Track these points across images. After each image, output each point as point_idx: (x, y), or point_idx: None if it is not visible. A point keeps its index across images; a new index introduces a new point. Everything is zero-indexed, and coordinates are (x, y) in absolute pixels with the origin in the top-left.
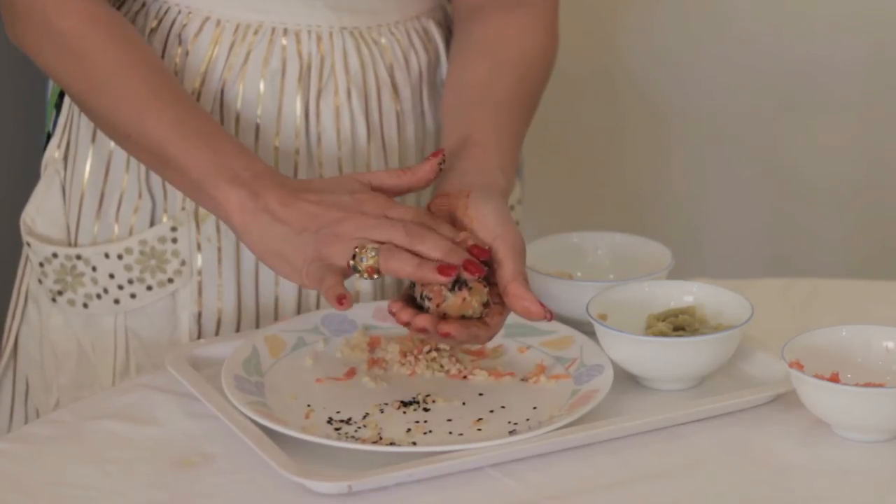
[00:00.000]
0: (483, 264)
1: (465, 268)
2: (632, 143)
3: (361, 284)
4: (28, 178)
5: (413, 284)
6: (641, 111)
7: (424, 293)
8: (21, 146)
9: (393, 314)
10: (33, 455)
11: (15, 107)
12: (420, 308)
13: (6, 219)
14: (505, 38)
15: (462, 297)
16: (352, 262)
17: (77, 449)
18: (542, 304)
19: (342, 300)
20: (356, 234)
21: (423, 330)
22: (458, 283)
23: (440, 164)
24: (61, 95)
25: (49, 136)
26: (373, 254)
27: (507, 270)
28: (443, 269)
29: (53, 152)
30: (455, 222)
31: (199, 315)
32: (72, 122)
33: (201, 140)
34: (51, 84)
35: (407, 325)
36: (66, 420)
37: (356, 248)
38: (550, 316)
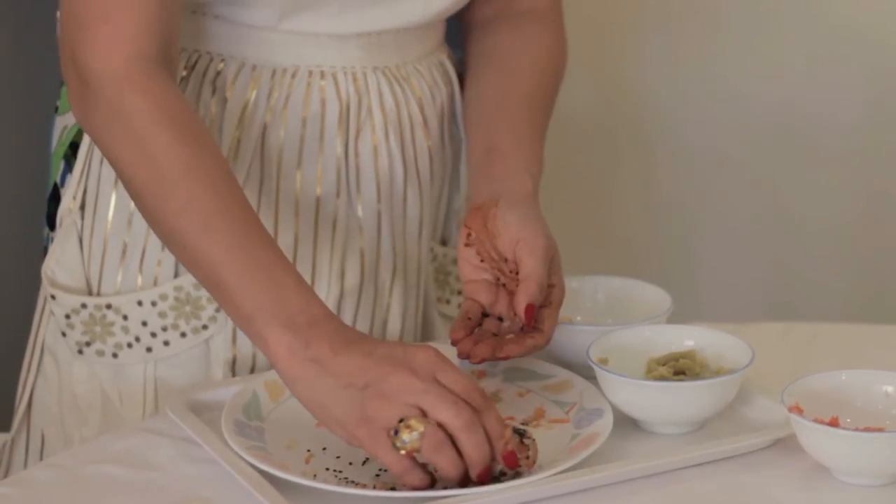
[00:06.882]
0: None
1: (504, 461)
2: (627, 189)
3: (389, 325)
4: (34, 230)
5: None
6: (637, 156)
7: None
8: (24, 200)
9: (454, 343)
10: (33, 499)
11: (18, 160)
12: None
13: (16, 273)
14: (516, 49)
15: None
16: (392, 436)
17: (76, 493)
18: (529, 312)
19: (422, 482)
20: (403, 396)
21: (482, 361)
22: None
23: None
24: (72, 147)
25: (56, 187)
26: (416, 436)
27: (523, 269)
28: (482, 475)
29: (69, 203)
30: (487, 232)
31: (234, 361)
32: (90, 171)
33: (260, 270)
34: (55, 136)
35: (467, 357)
36: (65, 464)
37: (400, 421)
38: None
